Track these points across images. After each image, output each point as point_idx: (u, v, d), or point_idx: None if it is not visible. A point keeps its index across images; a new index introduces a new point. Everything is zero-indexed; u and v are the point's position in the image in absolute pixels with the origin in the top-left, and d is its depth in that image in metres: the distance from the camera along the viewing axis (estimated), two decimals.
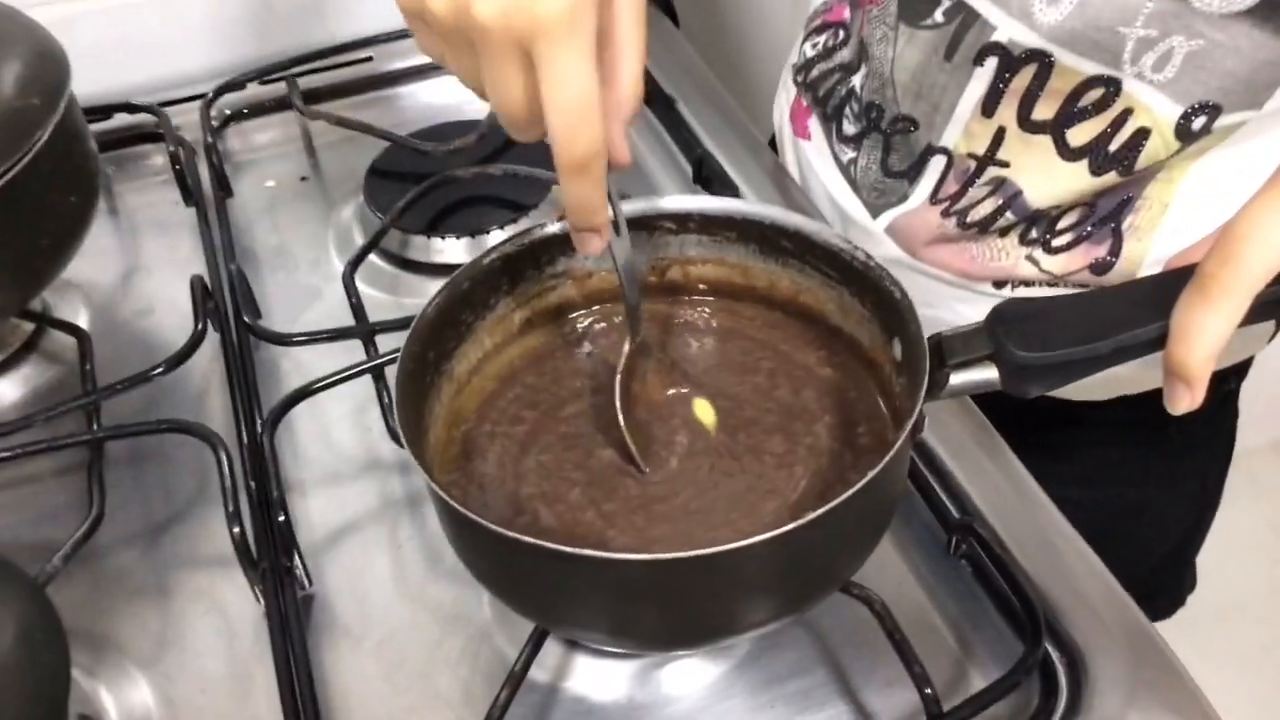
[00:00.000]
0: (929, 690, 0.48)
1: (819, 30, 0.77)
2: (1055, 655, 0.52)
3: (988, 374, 0.45)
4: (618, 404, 0.50)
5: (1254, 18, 0.53)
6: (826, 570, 0.46)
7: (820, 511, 0.40)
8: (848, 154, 0.73)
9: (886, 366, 0.52)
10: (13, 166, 0.59)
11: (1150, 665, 0.51)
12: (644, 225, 0.56)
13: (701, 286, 0.58)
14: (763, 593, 0.45)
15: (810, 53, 0.77)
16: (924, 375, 0.44)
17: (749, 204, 0.56)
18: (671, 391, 0.55)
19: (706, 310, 0.58)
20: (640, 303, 0.52)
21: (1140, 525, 0.83)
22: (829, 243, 0.53)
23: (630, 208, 0.55)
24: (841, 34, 0.74)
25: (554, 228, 0.55)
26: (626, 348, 0.52)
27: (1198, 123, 0.57)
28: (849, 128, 0.73)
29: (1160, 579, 0.88)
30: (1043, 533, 0.56)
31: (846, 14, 0.74)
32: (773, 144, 0.86)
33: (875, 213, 0.72)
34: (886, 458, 0.42)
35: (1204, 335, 0.39)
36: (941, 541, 0.57)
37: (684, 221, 0.56)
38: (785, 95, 0.83)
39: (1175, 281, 0.40)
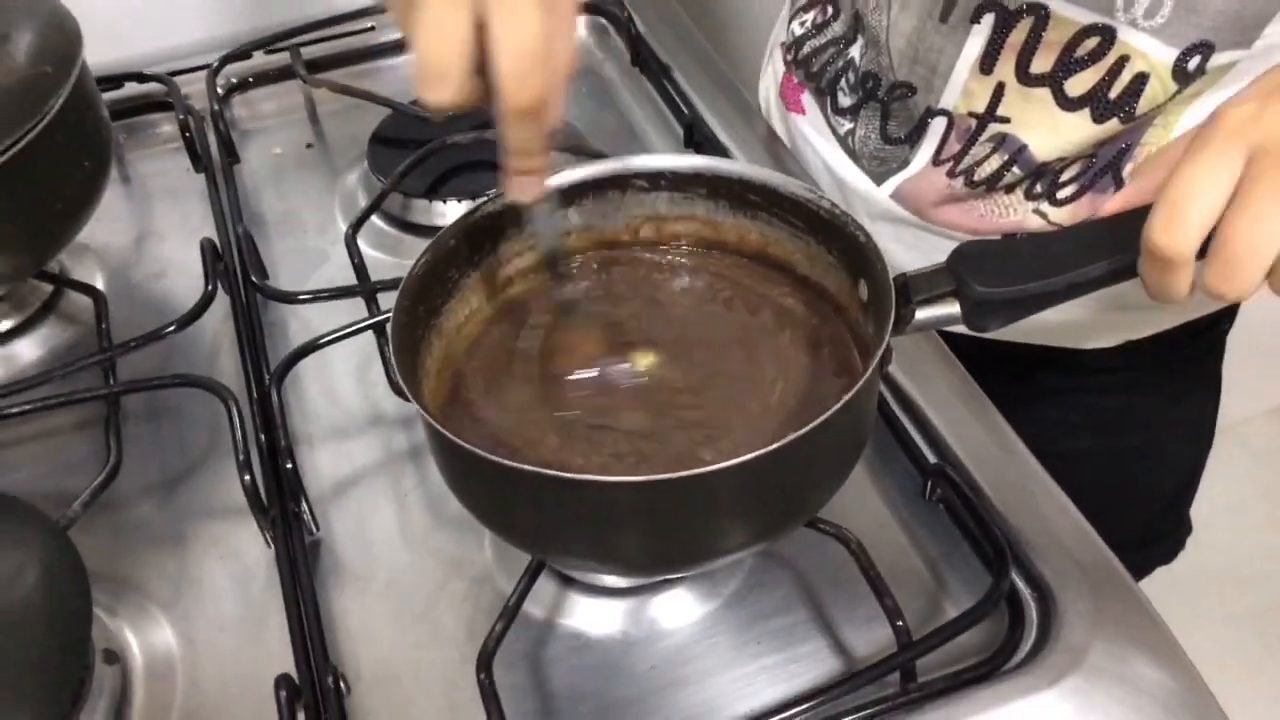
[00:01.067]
0: (900, 622, 0.51)
1: (806, 8, 0.79)
2: (1025, 590, 0.55)
3: (950, 309, 0.48)
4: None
5: None
6: (800, 497, 0.49)
7: (794, 436, 0.43)
8: (845, 125, 0.75)
9: (853, 309, 0.54)
10: (28, 133, 0.61)
11: (1115, 598, 0.54)
12: (618, 184, 0.58)
13: (675, 242, 0.60)
14: (739, 517, 0.48)
15: (799, 30, 0.79)
16: (890, 310, 0.47)
17: (717, 160, 0.58)
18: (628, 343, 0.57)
19: (678, 261, 0.61)
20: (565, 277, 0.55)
21: (1143, 469, 0.85)
22: (795, 194, 0.55)
23: (604, 167, 0.58)
24: (830, 9, 0.76)
25: None
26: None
27: (1192, 63, 0.58)
28: (844, 100, 0.74)
29: (1162, 524, 0.91)
30: (1016, 475, 0.59)
31: None
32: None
33: (878, 180, 0.73)
34: (856, 386, 0.45)
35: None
36: (919, 485, 0.60)
37: (656, 180, 0.58)
38: (772, 72, 0.84)
39: (1122, 222, 0.43)
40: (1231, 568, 1.65)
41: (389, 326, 0.50)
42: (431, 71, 0.43)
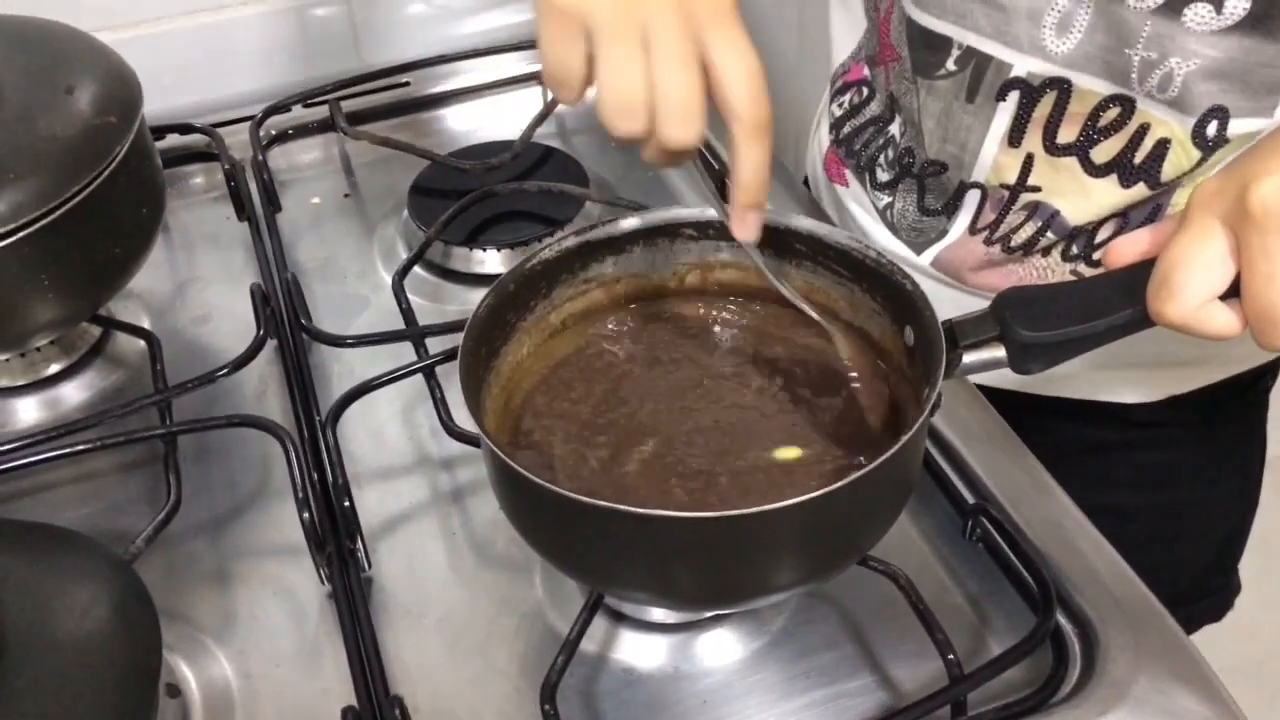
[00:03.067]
0: (952, 656, 0.53)
1: (842, 90, 0.81)
2: (1068, 626, 0.56)
3: (995, 353, 0.50)
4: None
5: (1243, 29, 0.57)
6: (853, 537, 0.51)
7: (851, 478, 0.45)
8: (884, 199, 0.77)
9: (897, 355, 0.56)
10: (95, 179, 0.64)
11: (1156, 634, 0.56)
12: (666, 233, 0.60)
13: (719, 289, 0.63)
14: (796, 555, 0.49)
15: (838, 112, 0.81)
16: (940, 355, 0.49)
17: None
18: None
19: (726, 313, 0.63)
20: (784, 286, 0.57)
21: (1186, 527, 0.86)
22: (840, 243, 0.57)
23: (653, 217, 0.60)
24: (865, 90, 0.78)
25: (587, 236, 0.59)
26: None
27: (1211, 129, 0.61)
28: (882, 175, 0.77)
29: (1209, 582, 0.91)
30: (1053, 515, 0.61)
31: (866, 72, 0.78)
32: (804, 184, 0.91)
33: (918, 250, 0.75)
34: (910, 432, 0.47)
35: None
36: (959, 526, 0.61)
37: (704, 229, 0.60)
38: (817, 146, 0.87)
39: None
40: (1229, 620, 1.66)
41: (459, 365, 0.52)
42: (678, 112, 0.47)
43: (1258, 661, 1.65)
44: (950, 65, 0.66)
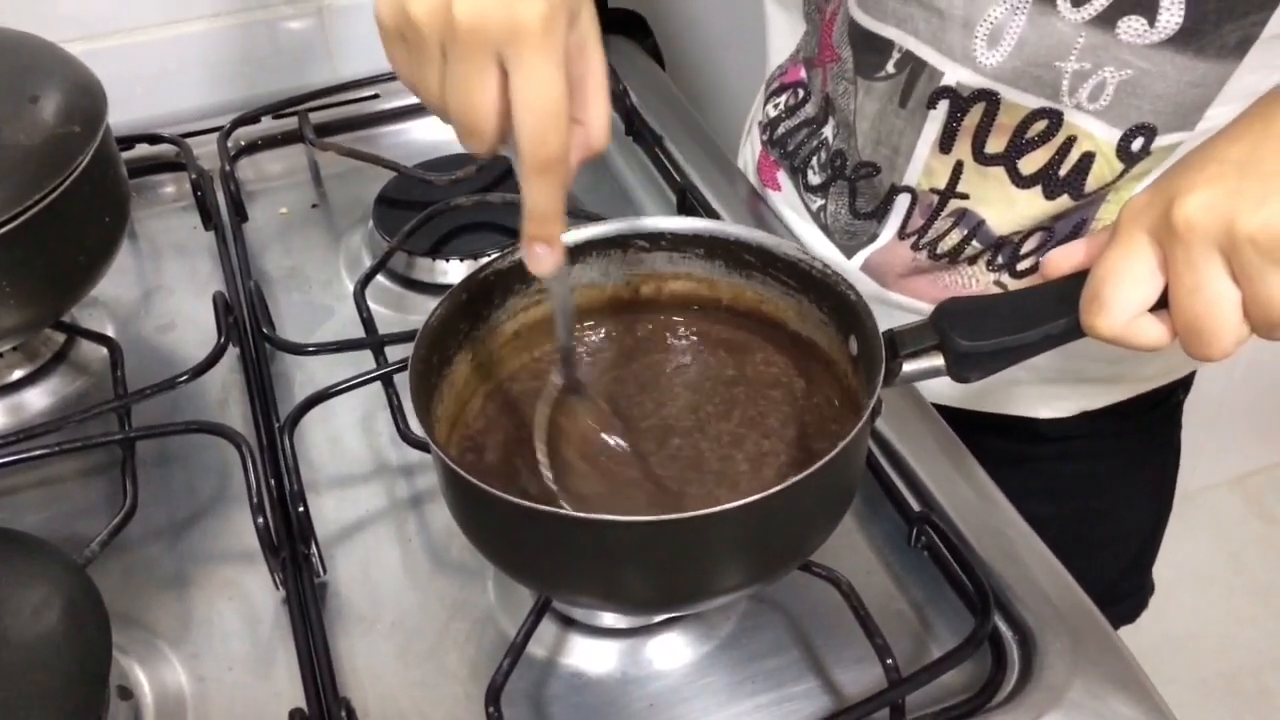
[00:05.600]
0: (890, 660, 0.54)
1: (778, 91, 0.83)
2: (1007, 632, 0.57)
3: (934, 362, 0.51)
4: (538, 442, 0.54)
5: (1175, 45, 0.58)
6: (795, 540, 0.52)
7: (791, 481, 0.46)
8: (816, 202, 0.78)
9: (843, 363, 0.57)
10: (56, 188, 0.64)
11: (1093, 640, 0.57)
12: (620, 244, 0.61)
13: (672, 300, 0.63)
14: (738, 558, 0.50)
15: (773, 112, 0.83)
16: (880, 364, 0.51)
17: (714, 223, 0.61)
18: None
19: (676, 321, 0.64)
20: (572, 344, 0.56)
21: (1103, 533, 0.88)
22: (788, 255, 0.59)
23: (607, 227, 0.61)
24: (801, 93, 0.80)
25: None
26: (557, 382, 0.56)
27: (1136, 144, 0.63)
28: (814, 178, 0.78)
29: (1124, 585, 0.94)
30: (996, 524, 0.62)
31: (803, 74, 0.80)
32: None
33: (849, 254, 0.77)
34: (850, 435, 0.48)
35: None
36: (904, 532, 0.62)
37: (656, 240, 0.61)
38: (750, 150, 0.88)
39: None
40: (1199, 634, 1.68)
41: (408, 373, 0.53)
42: (469, 127, 0.46)
43: (1229, 674, 1.67)
44: (890, 68, 0.68)
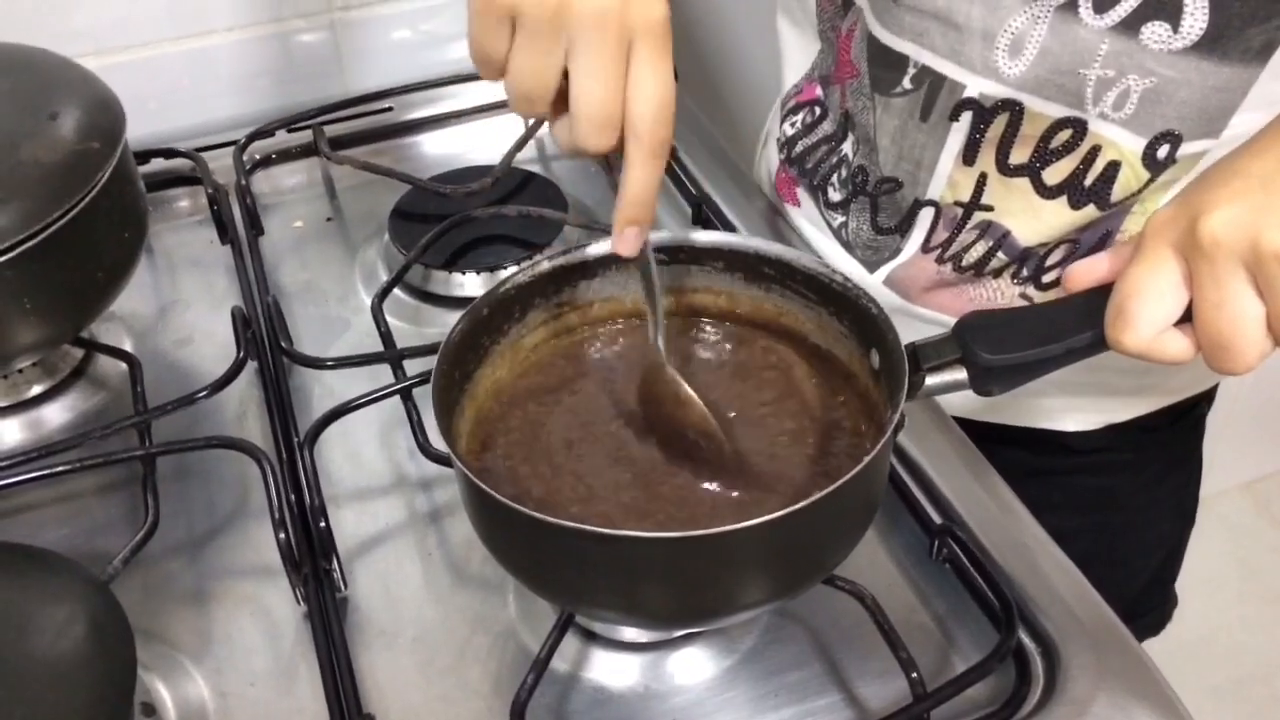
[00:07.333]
0: (915, 674, 0.54)
1: (794, 110, 0.83)
2: (1030, 645, 0.57)
3: (957, 375, 0.51)
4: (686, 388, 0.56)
5: (1199, 50, 0.58)
6: (818, 555, 0.52)
7: (816, 496, 0.46)
8: (838, 218, 0.78)
9: (863, 377, 0.57)
10: (77, 204, 0.64)
11: (1116, 653, 0.57)
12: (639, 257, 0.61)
13: (692, 312, 0.64)
14: (762, 573, 0.50)
15: (790, 130, 0.83)
16: (904, 377, 0.51)
17: (734, 236, 0.61)
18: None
19: (700, 333, 0.64)
20: (662, 322, 0.57)
21: (1126, 547, 0.88)
22: (808, 268, 0.59)
23: None
24: (818, 110, 0.80)
25: (560, 260, 0.60)
26: (661, 345, 0.57)
27: (1162, 151, 0.62)
28: (835, 195, 0.78)
29: (1147, 600, 0.94)
30: (1017, 536, 0.62)
31: (819, 91, 0.80)
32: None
33: (872, 269, 0.77)
34: (873, 452, 0.48)
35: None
36: (925, 546, 0.62)
37: (675, 253, 0.61)
38: (766, 165, 0.88)
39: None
40: (1210, 639, 1.68)
41: (431, 388, 0.53)
42: (593, 119, 0.48)
43: (1240, 680, 1.66)
44: (907, 83, 0.68)
